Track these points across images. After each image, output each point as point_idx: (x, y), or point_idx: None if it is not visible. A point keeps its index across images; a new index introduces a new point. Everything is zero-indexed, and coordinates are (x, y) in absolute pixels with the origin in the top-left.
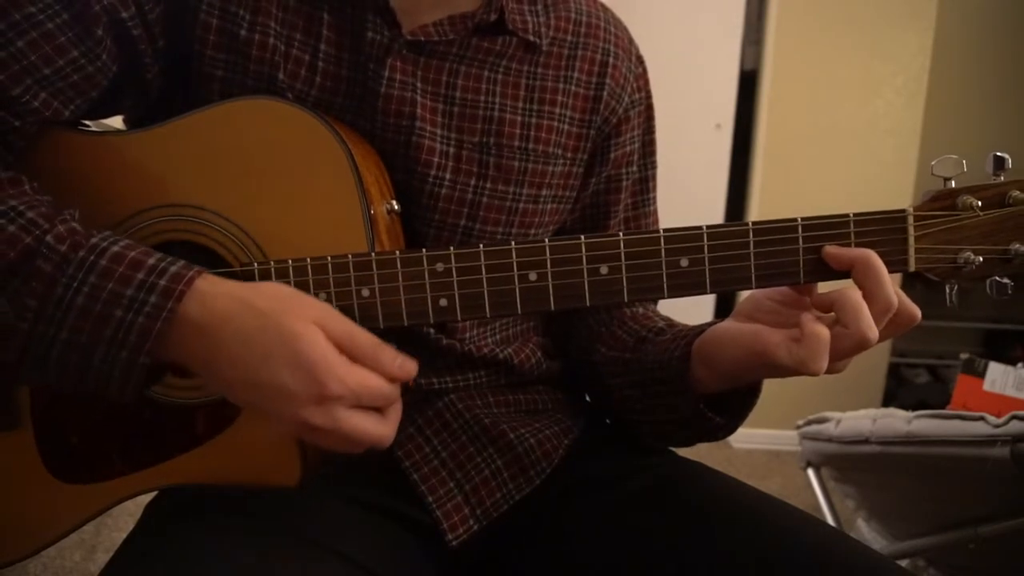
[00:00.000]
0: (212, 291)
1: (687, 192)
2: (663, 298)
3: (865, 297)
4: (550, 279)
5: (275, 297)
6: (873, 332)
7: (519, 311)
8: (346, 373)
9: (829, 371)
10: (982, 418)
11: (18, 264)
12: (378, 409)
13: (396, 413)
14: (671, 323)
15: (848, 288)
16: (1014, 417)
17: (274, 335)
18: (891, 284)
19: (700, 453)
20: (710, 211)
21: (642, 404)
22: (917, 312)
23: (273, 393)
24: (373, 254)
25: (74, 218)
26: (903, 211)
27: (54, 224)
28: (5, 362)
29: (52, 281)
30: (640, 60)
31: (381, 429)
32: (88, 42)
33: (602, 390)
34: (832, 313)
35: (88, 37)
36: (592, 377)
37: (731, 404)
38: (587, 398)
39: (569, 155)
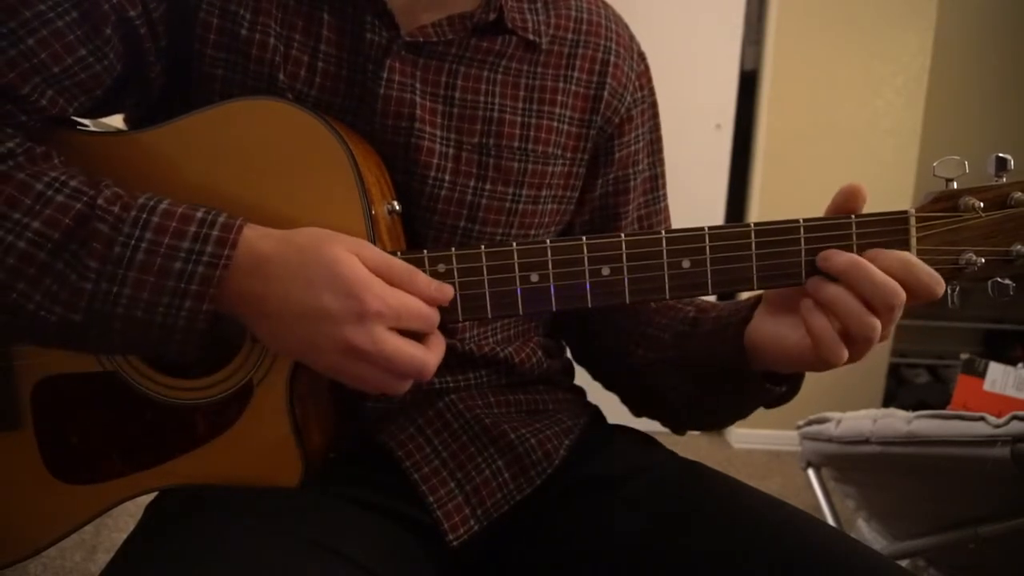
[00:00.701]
0: (256, 235)
1: (687, 192)
2: (665, 299)
3: (862, 301)
4: (551, 280)
5: (313, 234)
6: (875, 326)
7: (520, 312)
8: (384, 290)
9: (853, 357)
10: (982, 418)
11: (75, 228)
12: (419, 339)
13: (439, 342)
14: (700, 307)
15: (837, 290)
16: (1014, 417)
17: (313, 263)
18: (882, 279)
19: (700, 453)
20: (710, 211)
21: (702, 397)
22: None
23: (316, 318)
24: None
25: (113, 184)
26: (905, 212)
27: (100, 189)
28: (71, 325)
29: (110, 241)
30: (642, 57)
31: (423, 354)
32: (96, 40)
33: (648, 391)
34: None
35: (96, 35)
36: (630, 379)
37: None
38: (592, 398)
39: (569, 155)
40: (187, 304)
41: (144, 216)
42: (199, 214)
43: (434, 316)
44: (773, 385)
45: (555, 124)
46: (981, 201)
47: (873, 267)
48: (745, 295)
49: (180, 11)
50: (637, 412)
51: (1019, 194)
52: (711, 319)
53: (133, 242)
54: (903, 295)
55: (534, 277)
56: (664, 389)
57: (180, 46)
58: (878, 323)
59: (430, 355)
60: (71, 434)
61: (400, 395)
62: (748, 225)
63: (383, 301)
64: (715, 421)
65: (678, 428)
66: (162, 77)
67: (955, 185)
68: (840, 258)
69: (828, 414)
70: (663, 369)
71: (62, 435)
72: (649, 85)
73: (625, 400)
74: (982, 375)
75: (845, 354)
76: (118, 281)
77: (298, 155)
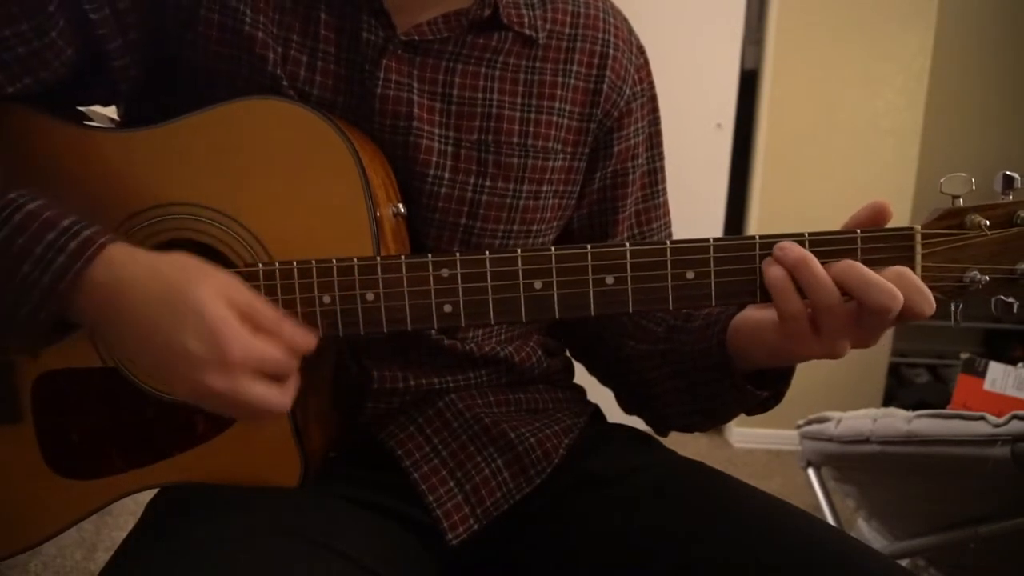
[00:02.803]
0: (121, 257)
1: (687, 192)
2: (668, 310)
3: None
4: (555, 288)
5: (183, 267)
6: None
7: (523, 319)
8: (248, 342)
9: (856, 345)
10: (982, 418)
11: None
12: (276, 379)
13: (294, 383)
14: None
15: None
16: (1014, 417)
17: (180, 302)
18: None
19: (700, 453)
20: (711, 211)
21: (687, 393)
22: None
23: (176, 358)
24: (379, 258)
25: None
26: (911, 229)
27: None
28: None
29: None
30: (641, 51)
31: (279, 398)
32: (38, 16)
33: (638, 383)
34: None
35: (39, 11)
36: (623, 371)
37: (772, 375)
38: (592, 397)
39: (569, 150)
40: (24, 310)
41: (6, 213)
42: (65, 223)
43: (293, 364)
44: (757, 389)
45: (555, 119)
46: (987, 219)
47: (868, 270)
48: None
49: (155, 7)
50: (627, 409)
51: None
52: (703, 315)
53: None
54: (900, 298)
55: (538, 284)
56: (653, 382)
57: (161, 44)
58: (838, 313)
59: (285, 398)
60: (71, 429)
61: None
62: (752, 238)
63: (246, 352)
64: (699, 421)
65: (661, 426)
66: (134, 70)
67: (961, 202)
68: (836, 265)
69: (828, 413)
70: (654, 362)
71: (62, 430)
72: (649, 79)
73: (618, 395)
74: (982, 375)
75: (811, 339)
76: None
77: (303, 156)
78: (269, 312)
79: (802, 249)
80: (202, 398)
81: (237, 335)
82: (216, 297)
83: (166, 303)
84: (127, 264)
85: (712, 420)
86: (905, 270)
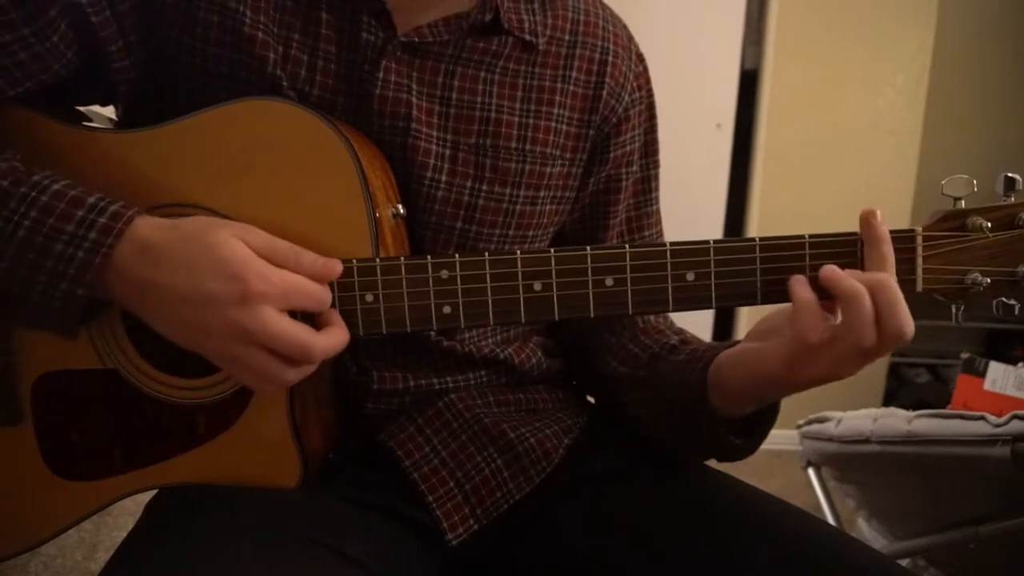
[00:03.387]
0: (147, 225)
1: (687, 192)
2: (668, 311)
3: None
4: (555, 289)
5: (200, 221)
6: (870, 344)
7: (523, 320)
8: (267, 270)
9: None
10: (983, 418)
11: None
12: (312, 321)
13: (337, 331)
14: (684, 339)
15: (862, 291)
16: (1015, 417)
17: (197, 249)
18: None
19: None
20: (711, 211)
21: (656, 422)
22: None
23: (200, 302)
24: (378, 259)
25: (15, 157)
26: (912, 231)
27: None
28: None
29: None
30: (640, 58)
31: (308, 335)
32: (40, 21)
33: (612, 404)
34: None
35: (40, 16)
36: (602, 390)
37: (749, 425)
38: (591, 401)
39: (568, 156)
40: (63, 286)
41: (33, 194)
42: (91, 199)
43: (323, 293)
44: (728, 432)
45: (553, 124)
46: (989, 221)
47: (899, 292)
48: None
49: (156, 10)
50: (608, 418)
51: None
52: (688, 350)
53: (16, 218)
54: (911, 329)
55: (537, 285)
56: (628, 405)
57: (159, 45)
58: (875, 339)
59: (317, 337)
60: (71, 431)
61: (289, 385)
62: (753, 240)
63: (267, 281)
64: (667, 451)
65: (653, 447)
66: (134, 72)
67: (963, 204)
68: (843, 284)
69: (828, 413)
70: (632, 385)
71: (62, 431)
72: (647, 87)
73: (598, 405)
74: (982, 374)
75: (821, 360)
76: None
77: (303, 157)
78: (287, 246)
79: (858, 285)
80: (233, 342)
81: (254, 265)
82: (230, 237)
83: (185, 256)
84: (152, 232)
85: (677, 454)
86: (886, 277)
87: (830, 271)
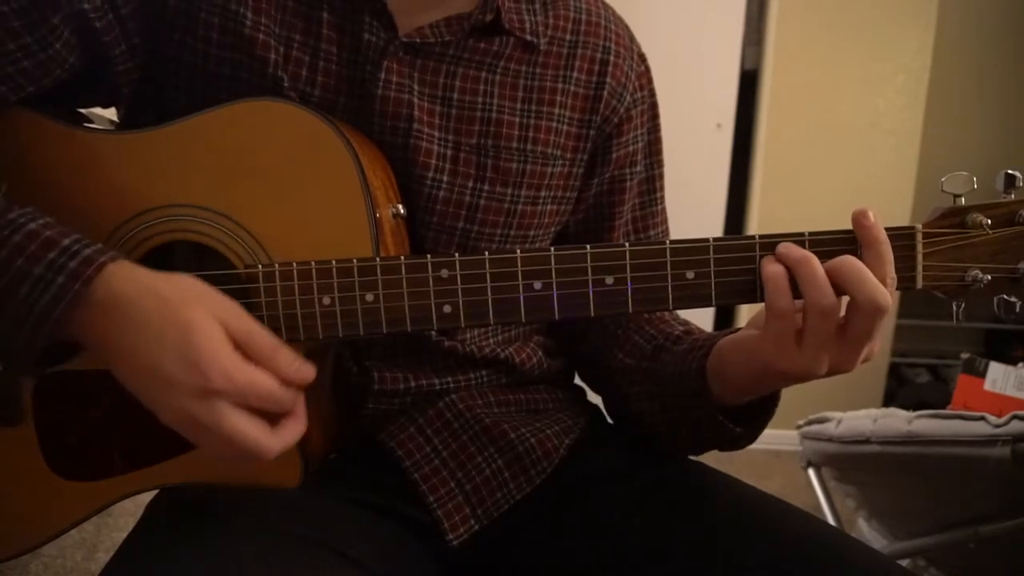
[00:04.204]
0: (121, 275)
1: (688, 192)
2: (668, 310)
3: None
4: (555, 289)
5: (183, 287)
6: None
7: (523, 319)
8: (233, 368)
9: (833, 370)
10: (983, 418)
11: None
12: (272, 419)
13: (292, 427)
14: (688, 329)
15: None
16: (1015, 417)
17: (170, 321)
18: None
19: None
20: (711, 211)
21: (660, 415)
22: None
23: (158, 380)
24: (378, 259)
25: (0, 191)
26: (912, 228)
27: None
28: None
29: None
30: (642, 58)
31: (265, 439)
32: (42, 29)
33: (618, 397)
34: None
35: (43, 24)
36: (608, 383)
37: (750, 413)
38: (593, 398)
39: (568, 156)
40: (24, 332)
41: (5, 233)
42: (66, 242)
43: (287, 398)
44: (728, 421)
45: (554, 124)
46: (989, 218)
47: (819, 267)
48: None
49: (157, 11)
50: (613, 416)
51: None
52: (691, 340)
53: None
54: (888, 300)
55: (537, 285)
56: (633, 398)
57: (160, 46)
58: (830, 320)
59: (272, 440)
60: (72, 431)
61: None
62: (752, 237)
63: (228, 379)
64: (671, 446)
65: (656, 443)
66: (137, 74)
67: (963, 201)
68: (833, 260)
69: (828, 414)
70: (634, 377)
71: (63, 432)
72: (649, 86)
73: (604, 403)
74: (982, 375)
75: (791, 348)
76: None
77: (303, 157)
78: (266, 341)
79: (806, 251)
80: (184, 426)
81: (220, 360)
82: (207, 318)
83: (154, 323)
84: (126, 283)
85: (682, 449)
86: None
87: (783, 245)
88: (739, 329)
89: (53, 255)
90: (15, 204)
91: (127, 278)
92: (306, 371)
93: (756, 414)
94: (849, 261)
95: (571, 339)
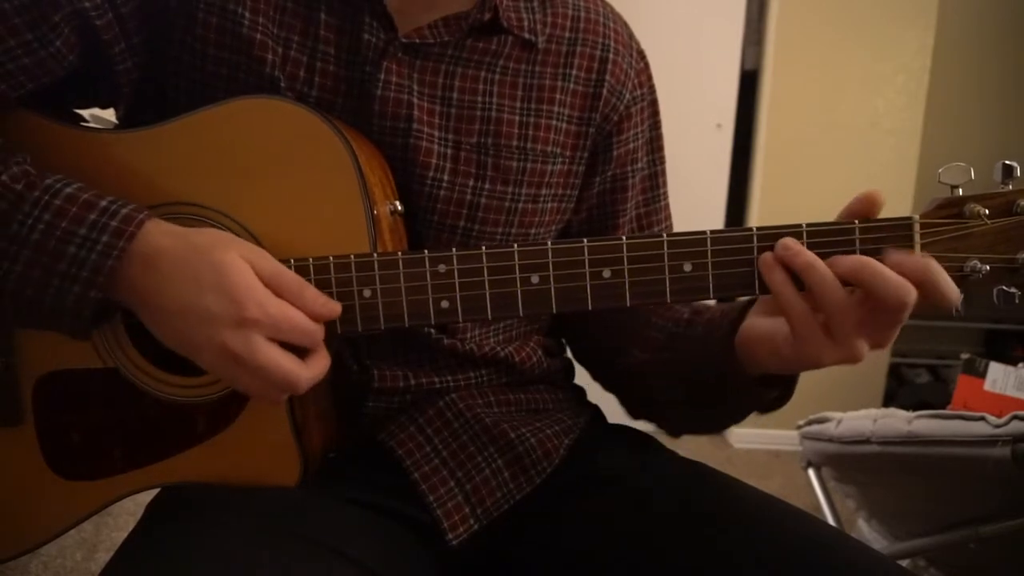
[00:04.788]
0: (158, 230)
1: (688, 192)
2: (666, 303)
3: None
4: (552, 282)
5: (212, 235)
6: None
7: (520, 313)
8: (266, 299)
9: (844, 358)
10: (983, 418)
11: None
12: (301, 354)
13: (321, 359)
14: (696, 309)
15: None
16: (1015, 417)
17: (204, 263)
18: (893, 277)
19: (701, 453)
20: (711, 211)
21: (690, 400)
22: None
23: (196, 317)
24: (375, 255)
25: (27, 161)
26: (909, 219)
27: (8, 166)
28: None
29: (8, 218)
30: (641, 55)
31: (298, 369)
32: (43, 26)
33: (640, 391)
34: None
35: (44, 21)
36: (627, 380)
37: (778, 378)
38: (593, 398)
39: (568, 154)
40: (75, 289)
41: (46, 198)
42: (103, 203)
43: (316, 331)
44: (764, 389)
45: (554, 123)
46: (986, 208)
47: (881, 265)
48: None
49: (158, 10)
50: (634, 415)
51: None
52: (704, 321)
53: (30, 221)
54: (914, 292)
55: (535, 279)
56: (657, 390)
57: (162, 46)
58: (850, 313)
59: (304, 371)
60: (72, 430)
61: (278, 403)
62: (750, 229)
63: (263, 310)
64: (708, 425)
65: (672, 431)
66: (136, 73)
67: (960, 192)
68: (846, 261)
69: (828, 414)
70: (656, 369)
71: (63, 431)
72: (649, 83)
73: (623, 402)
74: (982, 375)
75: (824, 343)
76: (10, 258)
77: (301, 155)
78: (294, 279)
79: (806, 253)
80: (223, 361)
81: (255, 292)
82: (238, 259)
83: (191, 265)
84: (162, 236)
85: (715, 424)
86: (932, 262)
87: (781, 245)
88: (751, 303)
89: (94, 216)
90: (46, 171)
91: (163, 232)
92: (333, 306)
93: (786, 378)
94: (863, 264)
95: (581, 342)
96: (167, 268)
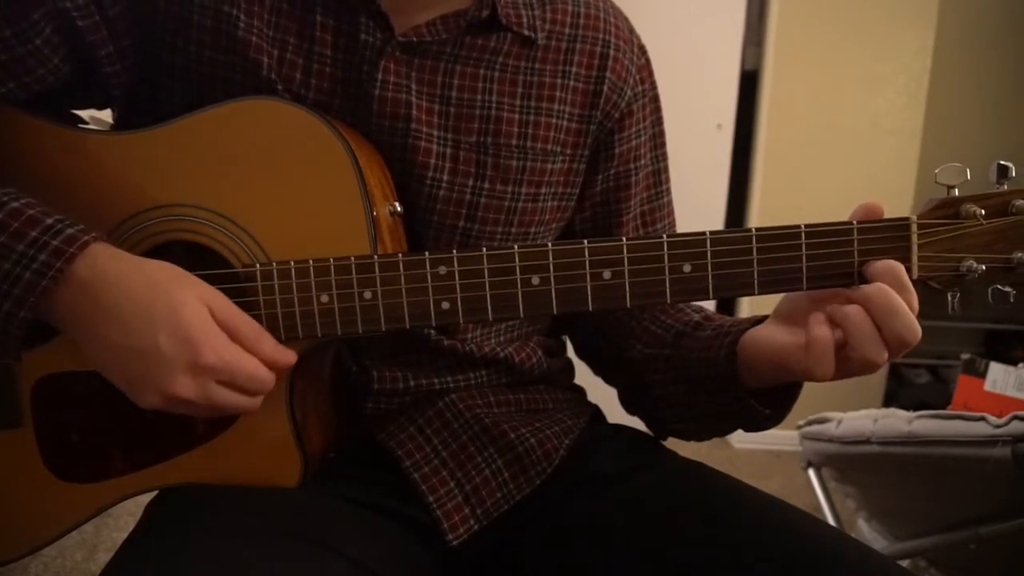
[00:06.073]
0: (106, 255)
1: (688, 192)
2: (666, 303)
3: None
4: (553, 283)
5: (169, 270)
6: (881, 357)
7: (521, 314)
8: (223, 346)
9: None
10: (983, 418)
11: None
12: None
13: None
14: (707, 315)
15: (856, 311)
16: (1015, 417)
17: (160, 301)
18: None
19: (701, 453)
20: (711, 211)
21: (685, 400)
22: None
23: (147, 358)
24: (376, 256)
25: None
26: (907, 219)
27: None
28: None
29: None
30: (643, 50)
31: (253, 403)
32: (22, 23)
33: (638, 385)
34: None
35: (22, 18)
36: (626, 372)
37: (776, 395)
38: (593, 398)
39: (568, 151)
40: (4, 307)
41: None
42: (49, 220)
43: (269, 380)
44: (760, 405)
45: (554, 120)
46: (983, 208)
47: (902, 302)
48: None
49: (148, 13)
50: (628, 408)
51: (1020, 201)
52: (714, 326)
53: None
54: (918, 335)
55: (535, 280)
56: (655, 386)
57: (153, 48)
58: (884, 352)
59: (254, 400)
60: (71, 432)
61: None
62: (749, 230)
63: (218, 356)
64: (693, 429)
65: (657, 430)
66: (127, 76)
67: (956, 192)
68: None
69: (828, 414)
70: (656, 365)
71: (62, 433)
72: (650, 79)
73: (620, 395)
74: (983, 375)
75: (831, 368)
76: None
77: (300, 156)
78: (251, 325)
79: (850, 309)
80: (167, 404)
81: (210, 336)
82: (196, 300)
83: (144, 299)
84: (111, 262)
85: (706, 431)
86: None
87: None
88: (763, 318)
89: (35, 233)
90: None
91: (113, 256)
92: (288, 355)
93: (783, 396)
94: (880, 295)
95: (586, 334)
96: (113, 297)
